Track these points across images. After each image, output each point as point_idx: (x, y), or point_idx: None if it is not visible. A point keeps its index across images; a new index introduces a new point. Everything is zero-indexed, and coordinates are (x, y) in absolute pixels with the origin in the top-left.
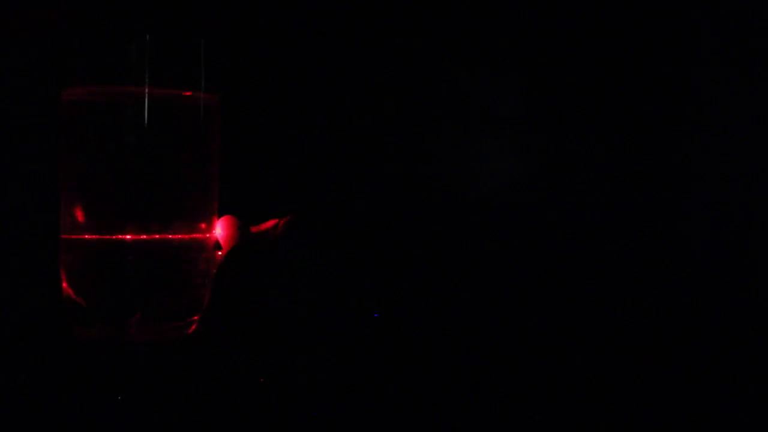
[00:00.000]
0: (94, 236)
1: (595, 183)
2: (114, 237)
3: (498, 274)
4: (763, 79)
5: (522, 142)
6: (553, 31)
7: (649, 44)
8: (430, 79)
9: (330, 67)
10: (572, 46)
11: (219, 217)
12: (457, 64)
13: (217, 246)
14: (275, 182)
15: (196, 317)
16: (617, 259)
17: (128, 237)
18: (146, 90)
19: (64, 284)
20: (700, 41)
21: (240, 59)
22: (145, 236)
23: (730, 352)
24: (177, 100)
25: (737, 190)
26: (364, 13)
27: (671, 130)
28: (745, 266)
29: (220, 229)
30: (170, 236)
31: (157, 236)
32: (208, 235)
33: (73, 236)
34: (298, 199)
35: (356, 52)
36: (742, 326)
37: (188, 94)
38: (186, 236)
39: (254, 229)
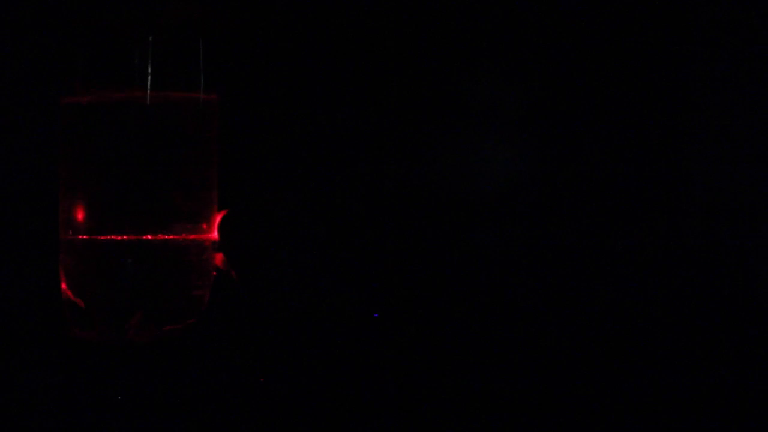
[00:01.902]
0: (93, 237)
1: (594, 183)
2: (113, 238)
3: (497, 274)
4: (762, 79)
5: (520, 142)
6: (552, 30)
7: (649, 44)
8: (429, 79)
9: (328, 66)
10: (572, 45)
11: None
12: (458, 64)
13: (215, 246)
14: (275, 182)
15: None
16: (617, 260)
17: (127, 237)
18: (145, 93)
19: (64, 285)
20: (699, 41)
21: (239, 60)
22: (144, 237)
23: (730, 352)
24: (176, 102)
25: (737, 190)
26: (364, 13)
27: (671, 129)
28: (745, 266)
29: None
30: (170, 237)
31: (157, 237)
32: (207, 236)
33: (73, 237)
34: (298, 198)
35: (354, 52)
36: (742, 326)
37: (187, 96)
38: (185, 237)
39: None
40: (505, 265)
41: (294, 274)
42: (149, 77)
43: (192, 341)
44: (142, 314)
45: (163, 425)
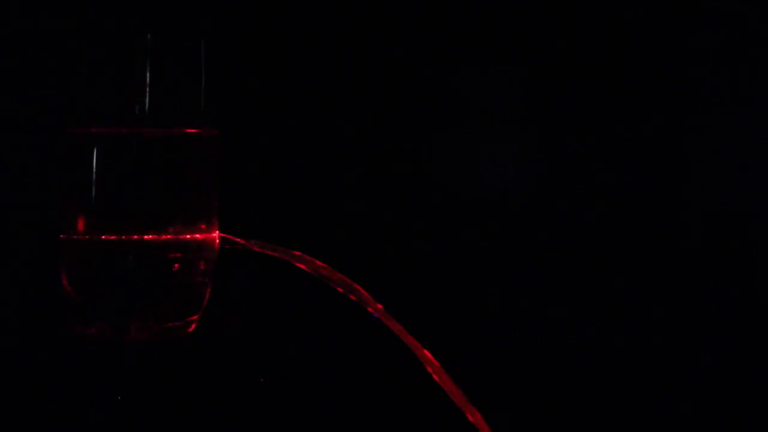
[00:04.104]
0: (93, 237)
1: (594, 182)
2: (114, 238)
3: (496, 274)
4: (763, 79)
5: (520, 141)
6: (552, 30)
7: (649, 44)
8: (429, 80)
9: (329, 69)
10: (572, 45)
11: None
12: (457, 64)
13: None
14: (274, 179)
15: (195, 317)
16: (616, 259)
17: (129, 238)
18: (146, 127)
19: (64, 284)
20: (700, 41)
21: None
22: (144, 237)
23: (730, 353)
24: (178, 133)
25: (737, 190)
26: (364, 16)
27: (671, 129)
28: (745, 266)
29: None
30: (171, 240)
31: (158, 238)
32: (208, 236)
33: (73, 236)
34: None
35: (354, 55)
36: (742, 326)
37: (189, 131)
38: (186, 237)
39: None
40: (504, 266)
41: (295, 273)
42: (151, 110)
43: (192, 341)
44: (143, 313)
45: (164, 425)
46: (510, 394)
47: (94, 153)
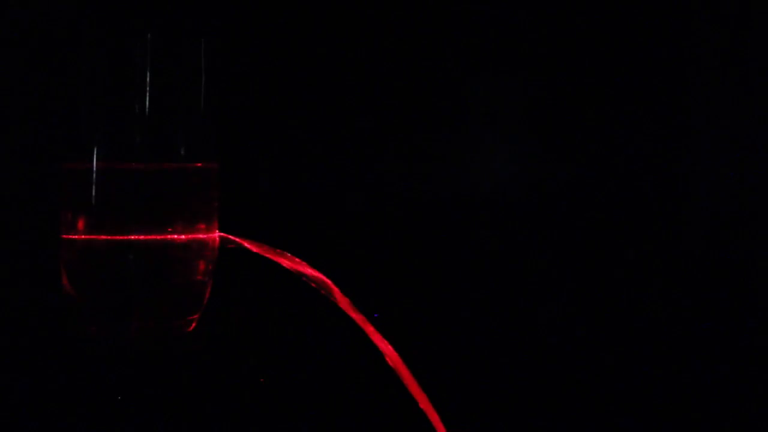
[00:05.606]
0: (94, 236)
1: (594, 183)
2: (115, 237)
3: (496, 275)
4: (762, 79)
5: (520, 142)
6: (553, 30)
7: (649, 44)
8: (429, 80)
9: (327, 70)
10: (572, 46)
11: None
12: (457, 64)
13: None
14: (273, 177)
15: (195, 316)
16: (616, 260)
17: (128, 237)
18: (146, 162)
19: (64, 284)
20: (700, 41)
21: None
22: (145, 237)
23: (730, 353)
24: (178, 168)
25: (738, 191)
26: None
27: (671, 129)
28: (745, 266)
29: None
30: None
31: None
32: (208, 235)
33: (74, 236)
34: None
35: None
36: (742, 326)
37: (188, 164)
38: (186, 236)
39: None
40: (503, 267)
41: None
42: (150, 144)
43: (192, 341)
44: (143, 313)
45: (163, 425)
46: (509, 396)
47: (93, 187)
